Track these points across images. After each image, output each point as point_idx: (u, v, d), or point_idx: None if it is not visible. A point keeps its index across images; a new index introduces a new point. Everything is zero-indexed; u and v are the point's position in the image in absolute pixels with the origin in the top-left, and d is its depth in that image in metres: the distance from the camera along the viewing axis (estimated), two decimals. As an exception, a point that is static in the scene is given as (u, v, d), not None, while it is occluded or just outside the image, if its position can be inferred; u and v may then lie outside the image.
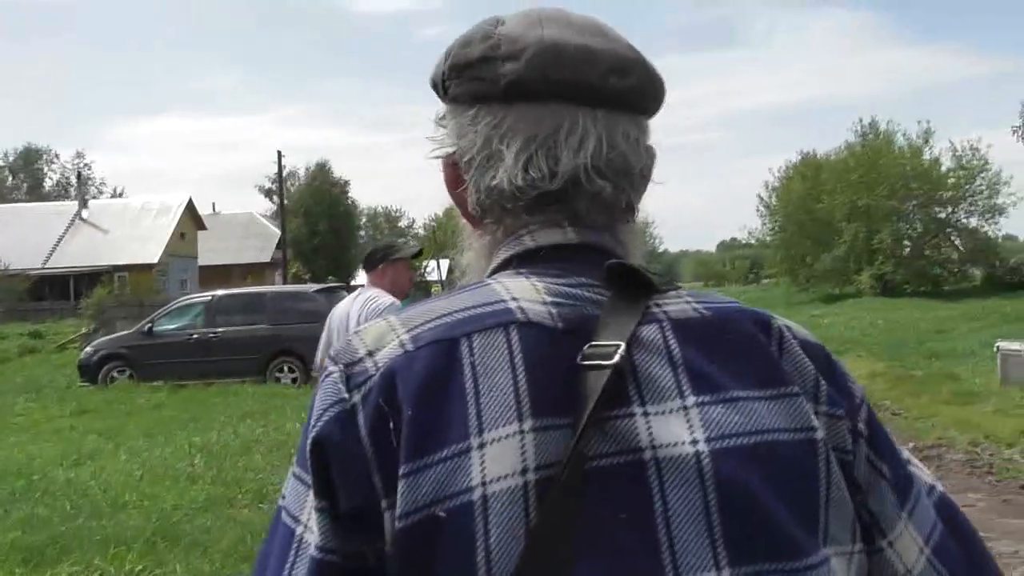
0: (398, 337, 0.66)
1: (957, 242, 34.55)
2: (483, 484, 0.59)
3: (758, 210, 39.70)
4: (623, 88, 0.74)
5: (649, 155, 0.78)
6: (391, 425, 0.62)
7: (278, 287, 19.35)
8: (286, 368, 13.29)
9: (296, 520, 0.64)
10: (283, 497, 0.67)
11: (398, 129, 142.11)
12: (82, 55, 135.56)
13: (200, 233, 43.50)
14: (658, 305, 0.70)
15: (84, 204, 42.88)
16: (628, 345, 0.66)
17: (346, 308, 3.96)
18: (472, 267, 0.79)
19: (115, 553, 4.64)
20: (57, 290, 36.84)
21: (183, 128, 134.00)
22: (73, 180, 61.91)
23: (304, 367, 13.14)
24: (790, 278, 38.00)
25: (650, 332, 0.68)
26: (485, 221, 0.77)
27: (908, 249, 34.18)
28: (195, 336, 13.51)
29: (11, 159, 72.41)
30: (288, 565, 0.63)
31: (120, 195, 64.76)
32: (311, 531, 0.63)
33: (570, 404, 0.63)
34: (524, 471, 0.60)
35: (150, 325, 13.84)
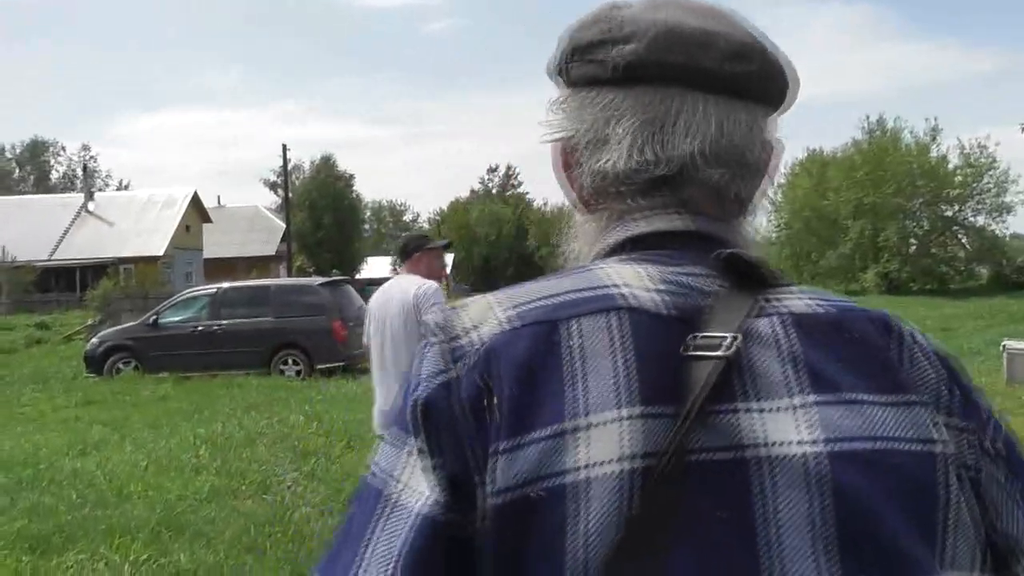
0: (502, 314, 0.66)
1: (964, 240, 34.46)
2: (581, 468, 0.59)
3: (763, 206, 39.66)
4: (740, 74, 0.72)
5: (766, 149, 0.75)
6: (488, 402, 0.62)
7: (283, 280, 19.39)
8: (290, 361, 13.33)
9: (390, 480, 0.63)
10: (374, 465, 0.65)
11: (402, 124, 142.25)
12: (88, 49, 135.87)
13: (205, 226, 43.58)
14: (774, 299, 0.68)
15: (90, 196, 42.97)
16: (740, 337, 0.64)
17: (386, 296, 4.10)
18: (579, 254, 0.78)
19: (120, 542, 4.67)
20: (63, 282, 36.97)
21: (189, 122, 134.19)
22: (79, 172, 62.06)
23: (308, 360, 13.18)
24: (795, 275, 37.96)
25: (764, 326, 0.66)
26: (595, 207, 0.76)
27: (914, 247, 34.11)
28: (200, 328, 13.53)
29: (18, 151, 72.62)
30: (379, 523, 0.62)
31: (126, 188, 64.98)
32: (411, 490, 0.62)
33: (674, 394, 0.61)
34: (622, 458, 0.59)
35: (155, 317, 13.87)
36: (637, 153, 0.71)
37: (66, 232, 39.93)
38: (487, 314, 0.67)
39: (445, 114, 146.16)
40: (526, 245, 60.76)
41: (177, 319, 13.85)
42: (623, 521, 0.58)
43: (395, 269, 5.58)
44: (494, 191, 76.68)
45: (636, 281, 0.67)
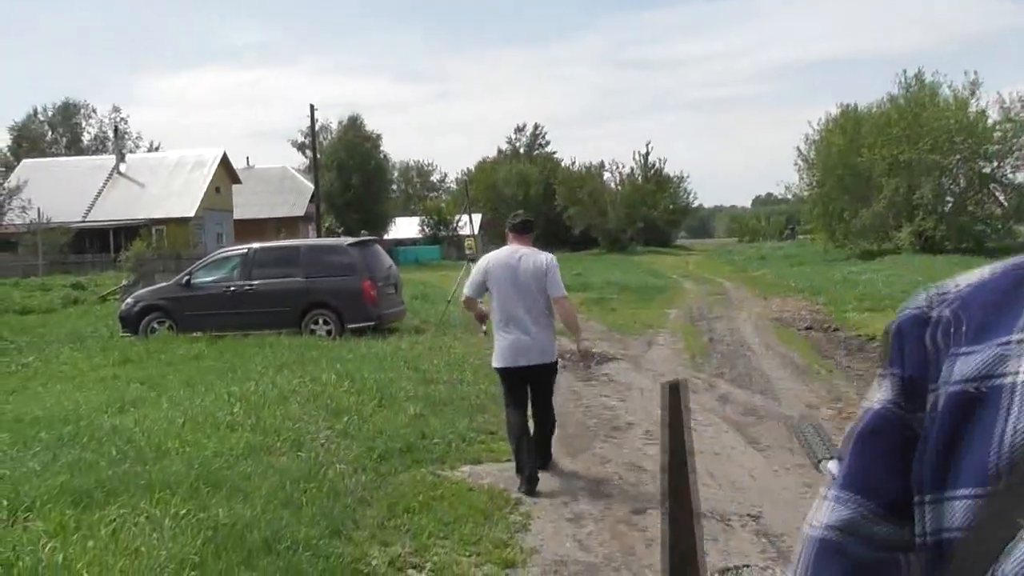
0: (988, 268, 0.76)
1: (1001, 198, 33.65)
2: (1018, 372, 0.67)
3: (796, 164, 39.00)
4: None
5: None
6: (957, 326, 0.72)
7: (313, 240, 19.47)
8: (321, 320, 13.45)
9: (865, 402, 0.77)
10: None
11: (429, 82, 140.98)
12: (117, 8, 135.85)
13: (235, 187, 43.86)
14: None
15: (122, 158, 43.34)
16: None
17: (511, 258, 5.54)
18: None
19: (160, 497, 4.77)
20: (97, 243, 37.51)
21: (217, 82, 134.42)
22: (111, 134, 62.49)
23: (338, 319, 13.30)
24: (827, 234, 37.34)
25: None
26: None
27: (950, 205, 33.41)
28: (232, 288, 13.69)
29: (50, 114, 73.24)
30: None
31: (156, 149, 65.32)
32: (869, 399, 0.76)
33: None
34: None
35: (188, 277, 14.04)
36: None
37: (99, 194, 40.40)
38: (976, 272, 0.76)
39: (472, 71, 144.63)
40: (554, 205, 60.38)
41: (209, 279, 14.01)
42: None
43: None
44: (521, 151, 76.11)
45: None
